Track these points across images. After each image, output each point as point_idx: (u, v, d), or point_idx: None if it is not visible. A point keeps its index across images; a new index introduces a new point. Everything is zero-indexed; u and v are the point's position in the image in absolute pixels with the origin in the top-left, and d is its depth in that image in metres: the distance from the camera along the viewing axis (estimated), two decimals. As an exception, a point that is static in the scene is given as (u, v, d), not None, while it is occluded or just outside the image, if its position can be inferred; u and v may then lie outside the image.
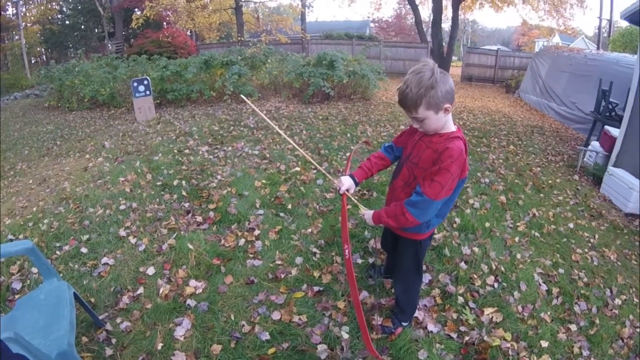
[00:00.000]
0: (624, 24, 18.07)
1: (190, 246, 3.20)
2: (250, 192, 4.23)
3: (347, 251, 1.89)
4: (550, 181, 5.47)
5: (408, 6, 25.10)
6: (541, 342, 2.54)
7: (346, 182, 2.13)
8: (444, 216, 2.05)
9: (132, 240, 3.37)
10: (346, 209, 2.04)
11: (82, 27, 27.23)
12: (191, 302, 2.64)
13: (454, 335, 2.49)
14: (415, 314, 2.55)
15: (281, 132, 2.25)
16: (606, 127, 6.46)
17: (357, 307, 1.78)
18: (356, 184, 2.18)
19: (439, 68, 1.72)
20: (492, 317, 2.67)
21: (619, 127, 5.85)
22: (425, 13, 27.86)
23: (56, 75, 10.82)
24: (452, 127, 1.84)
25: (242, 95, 2.77)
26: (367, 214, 2.05)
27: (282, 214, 3.81)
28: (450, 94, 1.73)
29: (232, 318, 2.52)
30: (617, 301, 3.16)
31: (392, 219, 1.91)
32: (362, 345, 2.35)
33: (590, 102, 8.48)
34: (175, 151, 5.62)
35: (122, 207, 3.95)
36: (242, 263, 3.07)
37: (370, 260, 3.11)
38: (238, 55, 10.76)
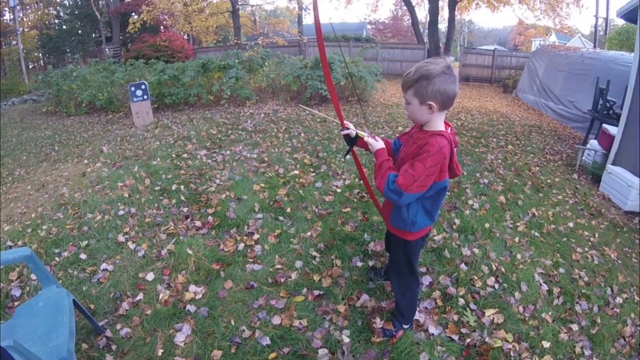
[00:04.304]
0: (621, 22, 18.13)
1: (190, 251, 3.19)
2: (249, 196, 4.22)
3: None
4: (549, 180, 5.47)
5: (404, 7, 25.14)
6: (543, 342, 2.54)
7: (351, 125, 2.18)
8: (434, 218, 2.03)
9: (131, 246, 3.36)
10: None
11: (80, 31, 27.27)
12: (191, 308, 2.63)
13: (455, 338, 2.48)
14: (416, 317, 2.55)
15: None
16: (604, 125, 6.46)
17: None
18: (354, 141, 2.16)
19: (451, 71, 1.73)
20: (493, 318, 2.66)
21: (617, 126, 5.85)
22: (422, 14, 27.82)
23: (54, 81, 10.81)
24: (439, 127, 1.84)
25: (301, 105, 2.94)
26: (375, 145, 2.00)
27: (281, 218, 3.80)
28: (442, 96, 1.73)
29: (233, 323, 2.51)
30: (619, 300, 3.15)
31: (378, 174, 1.90)
32: (363, 348, 2.34)
33: (587, 100, 8.49)
34: (174, 155, 5.61)
35: (121, 212, 3.94)
36: (241, 268, 3.06)
37: (370, 263, 3.10)
38: (235, 59, 10.77)
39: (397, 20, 39.69)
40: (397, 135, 2.27)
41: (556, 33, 30.77)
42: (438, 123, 1.84)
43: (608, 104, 7.06)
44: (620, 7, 6.36)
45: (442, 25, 26.75)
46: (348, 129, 2.13)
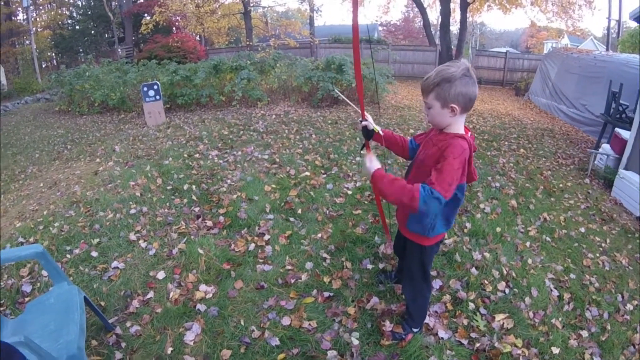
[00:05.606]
0: (633, 24, 17.89)
1: (201, 251, 3.21)
2: (260, 196, 4.24)
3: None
4: (561, 185, 5.42)
5: (416, 9, 25.07)
6: (552, 348, 2.51)
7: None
8: (451, 223, 2.02)
9: (143, 245, 3.38)
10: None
11: (92, 32, 27.59)
12: (201, 307, 2.65)
13: (465, 342, 2.46)
14: (426, 320, 2.53)
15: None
16: (617, 129, 6.39)
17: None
18: (371, 134, 2.09)
19: (472, 73, 1.74)
20: (503, 323, 2.65)
21: (629, 130, 5.79)
22: (434, 16, 27.72)
23: (67, 80, 10.94)
24: (460, 130, 1.83)
25: (335, 90, 3.01)
26: (371, 166, 1.85)
27: (292, 219, 3.81)
28: (464, 98, 1.73)
29: (242, 323, 2.52)
30: (629, 306, 3.11)
31: (392, 189, 1.73)
32: (372, 351, 2.34)
33: (600, 104, 8.40)
34: (185, 155, 5.65)
35: (133, 211, 3.97)
36: (252, 268, 3.08)
37: (381, 265, 3.10)
38: (247, 60, 10.83)
39: (408, 22, 39.57)
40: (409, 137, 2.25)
41: (568, 35, 30.56)
42: (459, 126, 1.83)
43: (621, 107, 6.98)
44: (633, 9, 6.31)
45: (454, 27, 26.68)
46: (367, 120, 2.11)
